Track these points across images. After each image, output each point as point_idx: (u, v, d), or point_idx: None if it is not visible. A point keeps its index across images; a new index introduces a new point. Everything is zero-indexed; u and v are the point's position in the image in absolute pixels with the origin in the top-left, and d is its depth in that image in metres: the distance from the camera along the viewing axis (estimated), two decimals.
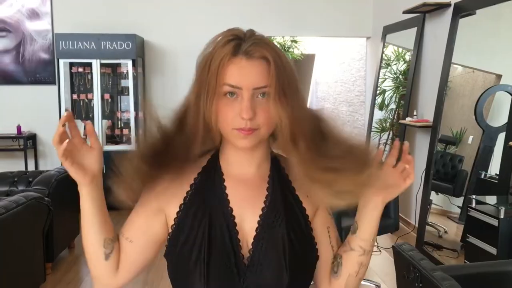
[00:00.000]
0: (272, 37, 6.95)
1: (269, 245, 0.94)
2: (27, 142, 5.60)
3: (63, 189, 3.75)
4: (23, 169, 5.38)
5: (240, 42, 0.89)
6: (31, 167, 5.66)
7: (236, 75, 0.88)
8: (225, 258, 0.93)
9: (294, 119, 0.89)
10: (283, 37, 7.28)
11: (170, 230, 0.97)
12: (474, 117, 3.69)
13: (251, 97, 0.88)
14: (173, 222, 0.97)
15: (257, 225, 0.96)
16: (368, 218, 0.99)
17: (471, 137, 3.81)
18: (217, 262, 0.92)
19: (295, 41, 7.57)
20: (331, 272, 1.02)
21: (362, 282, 3.43)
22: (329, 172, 0.89)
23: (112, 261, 0.98)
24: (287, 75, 0.90)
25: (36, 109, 5.73)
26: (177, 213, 0.96)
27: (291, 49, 7.42)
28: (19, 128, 5.58)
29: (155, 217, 0.98)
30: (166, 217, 0.98)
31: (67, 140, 0.91)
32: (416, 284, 1.87)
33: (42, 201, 3.10)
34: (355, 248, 0.99)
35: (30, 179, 3.92)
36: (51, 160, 5.76)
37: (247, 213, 0.96)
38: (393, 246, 2.23)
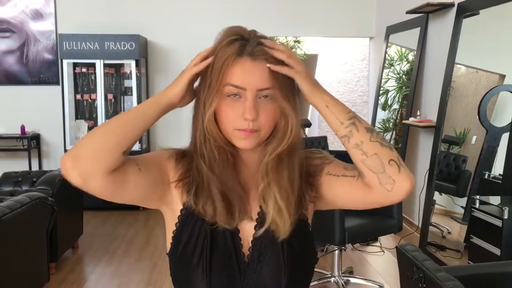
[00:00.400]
0: (275, 37, 6.95)
1: (267, 243, 0.96)
2: (31, 142, 5.62)
3: (67, 189, 3.76)
4: (27, 169, 5.40)
5: (244, 43, 0.90)
6: (35, 167, 5.68)
7: (240, 76, 0.88)
8: (227, 256, 0.94)
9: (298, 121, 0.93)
10: (286, 37, 7.28)
11: (174, 228, 0.99)
12: (477, 117, 3.68)
13: (254, 98, 0.88)
14: (177, 220, 0.98)
15: (255, 223, 0.97)
16: (321, 114, 0.93)
17: (474, 137, 3.80)
18: (219, 260, 0.93)
19: (298, 41, 7.57)
20: (360, 181, 0.93)
21: (365, 283, 3.44)
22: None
23: (121, 160, 0.87)
24: (287, 78, 0.92)
25: (40, 109, 5.75)
26: (181, 210, 0.98)
27: (294, 49, 7.41)
28: (23, 128, 5.60)
29: (164, 190, 0.98)
30: (167, 203, 1.00)
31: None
32: (420, 285, 1.87)
33: (46, 201, 3.12)
34: (342, 141, 0.93)
35: (34, 179, 3.93)
36: (55, 160, 5.78)
37: (247, 212, 0.98)
38: (396, 247, 2.23)
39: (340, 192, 0.97)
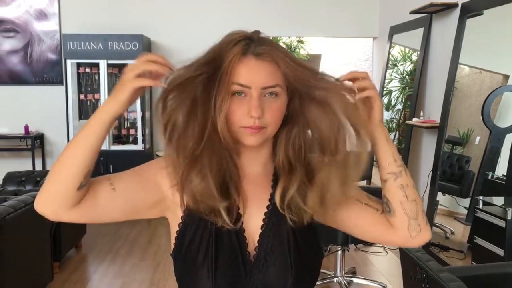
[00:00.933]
0: (279, 38, 6.95)
1: (274, 243, 0.96)
2: (35, 142, 5.63)
3: None
4: (30, 168, 5.41)
5: (249, 43, 0.91)
6: (38, 166, 5.70)
7: (246, 75, 0.90)
8: (232, 256, 0.94)
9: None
10: (289, 37, 7.28)
11: (177, 228, 0.99)
12: (481, 117, 3.67)
13: (259, 96, 0.90)
14: (180, 221, 0.98)
15: (262, 223, 0.97)
16: (379, 145, 0.96)
17: (478, 138, 3.79)
18: (224, 259, 0.93)
19: (301, 42, 7.57)
20: (386, 215, 0.98)
21: (368, 283, 3.44)
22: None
23: (80, 194, 0.89)
24: (298, 75, 0.93)
25: (44, 109, 5.76)
26: (184, 211, 0.97)
27: (297, 49, 7.42)
28: (26, 128, 5.62)
29: (154, 201, 0.97)
30: (169, 208, 0.99)
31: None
32: (423, 285, 1.87)
33: None
34: (387, 177, 0.96)
35: (38, 179, 3.95)
36: None
37: (252, 211, 0.98)
38: (399, 247, 2.23)
39: (359, 220, 1.00)
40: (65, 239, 3.64)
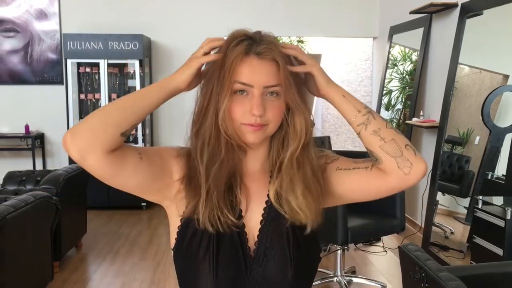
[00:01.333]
0: (279, 37, 6.96)
1: (273, 238, 0.98)
2: (35, 142, 5.64)
3: (71, 188, 3.78)
4: (31, 168, 5.42)
5: (251, 43, 0.94)
6: (39, 166, 5.71)
7: (248, 74, 0.92)
8: (233, 250, 0.96)
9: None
10: (289, 37, 7.28)
11: (179, 223, 1.00)
12: (481, 117, 3.67)
13: (261, 94, 0.93)
14: (182, 215, 1.00)
15: (261, 218, 1.00)
16: (336, 104, 0.98)
17: (478, 138, 3.79)
18: (225, 255, 0.95)
19: (301, 41, 7.57)
20: (376, 166, 0.97)
21: (367, 282, 3.45)
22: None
23: (120, 141, 0.90)
24: (295, 76, 0.96)
25: (44, 108, 5.77)
26: (186, 206, 0.99)
27: None
28: (27, 127, 5.62)
29: (163, 184, 0.99)
30: (170, 199, 1.01)
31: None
32: (422, 285, 1.88)
33: (50, 200, 3.13)
34: (359, 130, 0.96)
35: (38, 178, 3.95)
36: (59, 160, 5.80)
37: (252, 207, 1.00)
38: (399, 247, 2.23)
39: (354, 184, 1.00)
40: (65, 238, 3.65)
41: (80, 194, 4.13)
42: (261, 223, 0.99)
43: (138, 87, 5.41)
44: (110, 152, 0.88)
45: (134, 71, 5.46)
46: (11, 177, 4.05)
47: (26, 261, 2.93)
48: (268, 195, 1.00)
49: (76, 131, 0.87)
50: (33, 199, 2.94)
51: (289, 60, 0.96)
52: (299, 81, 0.98)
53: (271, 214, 0.99)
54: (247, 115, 0.93)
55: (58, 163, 5.77)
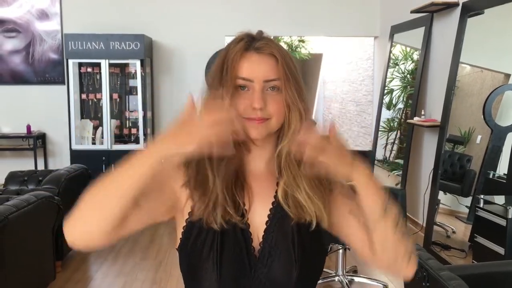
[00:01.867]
0: (280, 37, 6.96)
1: (278, 238, 0.98)
2: (37, 142, 5.65)
3: (73, 188, 3.79)
4: (33, 168, 5.43)
5: (251, 39, 0.97)
6: (40, 166, 5.72)
7: (248, 69, 0.94)
8: (237, 250, 0.96)
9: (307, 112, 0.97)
10: (290, 36, 7.28)
11: (184, 223, 1.00)
12: (482, 116, 3.67)
13: (262, 89, 0.94)
14: (187, 216, 1.00)
15: (267, 219, 0.99)
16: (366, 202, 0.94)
17: (479, 137, 3.79)
18: (229, 253, 0.95)
19: (303, 41, 7.57)
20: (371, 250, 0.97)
21: (369, 282, 3.45)
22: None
23: (118, 222, 0.88)
24: (294, 72, 0.96)
25: (46, 108, 5.78)
26: (191, 206, 0.99)
27: (298, 48, 7.42)
28: (28, 127, 5.64)
29: (169, 205, 1.00)
30: (180, 208, 1.01)
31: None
32: (423, 284, 1.88)
33: (52, 200, 3.14)
34: (372, 224, 0.94)
35: (40, 178, 3.96)
36: (60, 159, 5.81)
37: (257, 207, 0.99)
38: None
39: (352, 237, 1.00)
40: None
41: (81, 194, 4.13)
42: (266, 223, 0.99)
43: (139, 87, 5.42)
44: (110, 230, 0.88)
45: (136, 71, 5.47)
46: (13, 177, 4.06)
47: (28, 261, 2.94)
48: (275, 196, 1.00)
49: (74, 231, 0.88)
50: (35, 199, 2.95)
51: (288, 56, 0.97)
52: (298, 77, 0.97)
53: (277, 215, 0.99)
54: (249, 110, 0.93)
55: (59, 163, 5.78)
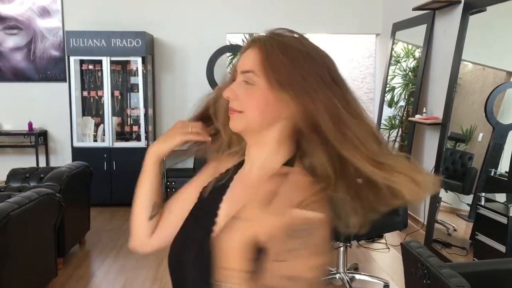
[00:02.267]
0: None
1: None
2: (39, 139, 5.66)
3: (74, 185, 3.80)
4: (34, 165, 5.44)
5: (257, 36, 0.92)
6: (42, 163, 5.73)
7: (238, 61, 0.92)
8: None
9: (306, 111, 0.83)
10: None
11: None
12: (484, 114, 3.67)
13: (240, 80, 0.89)
14: None
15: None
16: None
17: (481, 135, 3.79)
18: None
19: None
20: None
21: (370, 279, 3.45)
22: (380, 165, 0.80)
23: (153, 223, 1.03)
24: (286, 64, 0.84)
25: (47, 106, 5.79)
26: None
27: None
28: (30, 124, 5.64)
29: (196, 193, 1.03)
30: None
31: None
32: (424, 281, 1.88)
33: (54, 197, 3.15)
34: None
35: (42, 175, 3.96)
36: (62, 157, 5.82)
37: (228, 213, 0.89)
38: (401, 244, 2.24)
39: None
40: (69, 235, 3.67)
41: (83, 191, 4.15)
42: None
43: (141, 84, 5.42)
44: (153, 233, 1.04)
45: (137, 68, 5.47)
46: (14, 174, 4.07)
47: (30, 258, 2.95)
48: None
49: (130, 239, 1.07)
50: (36, 196, 2.95)
51: (279, 51, 0.85)
52: (287, 70, 0.84)
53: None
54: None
55: (61, 160, 5.79)
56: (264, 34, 0.89)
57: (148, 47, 5.46)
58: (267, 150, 0.91)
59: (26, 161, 5.55)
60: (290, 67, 0.84)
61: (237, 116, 0.88)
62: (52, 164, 5.82)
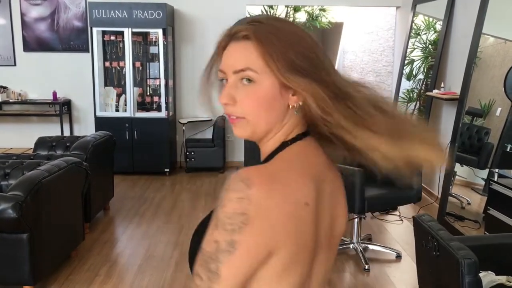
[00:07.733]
0: (302, 6, 6.91)
1: None
2: (63, 108, 5.82)
3: (99, 154, 3.94)
4: (59, 133, 5.62)
5: (235, 25, 0.82)
6: (66, 132, 5.90)
7: (223, 59, 0.82)
8: None
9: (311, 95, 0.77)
10: (311, 6, 7.22)
11: None
12: (503, 89, 3.67)
13: (234, 82, 0.80)
14: None
15: None
16: None
17: (499, 109, 3.80)
18: None
19: (324, 10, 7.49)
20: None
21: (383, 250, 3.57)
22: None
23: None
24: (286, 49, 0.77)
25: (71, 76, 5.92)
26: None
27: (319, 17, 7.36)
28: (54, 94, 5.80)
29: None
30: None
31: None
32: (434, 253, 1.98)
33: (81, 166, 3.30)
34: None
35: (68, 144, 4.11)
36: (85, 125, 5.99)
37: None
38: (413, 217, 2.33)
39: None
40: (94, 201, 3.84)
41: (107, 159, 4.30)
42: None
43: (161, 55, 5.50)
44: None
45: (158, 39, 5.54)
46: (41, 142, 4.22)
47: (60, 222, 3.12)
48: None
49: None
50: (65, 165, 3.10)
51: (275, 37, 0.77)
52: (290, 57, 0.77)
53: None
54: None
55: (84, 128, 5.96)
56: (240, 26, 0.80)
57: (169, 19, 5.50)
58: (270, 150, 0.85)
59: (51, 129, 5.73)
60: (290, 51, 0.77)
61: (241, 123, 0.81)
62: (75, 133, 6.00)
